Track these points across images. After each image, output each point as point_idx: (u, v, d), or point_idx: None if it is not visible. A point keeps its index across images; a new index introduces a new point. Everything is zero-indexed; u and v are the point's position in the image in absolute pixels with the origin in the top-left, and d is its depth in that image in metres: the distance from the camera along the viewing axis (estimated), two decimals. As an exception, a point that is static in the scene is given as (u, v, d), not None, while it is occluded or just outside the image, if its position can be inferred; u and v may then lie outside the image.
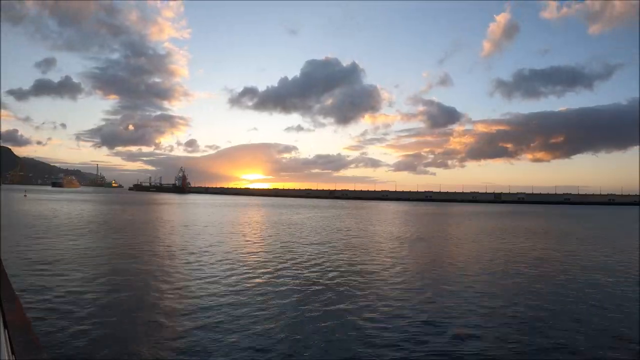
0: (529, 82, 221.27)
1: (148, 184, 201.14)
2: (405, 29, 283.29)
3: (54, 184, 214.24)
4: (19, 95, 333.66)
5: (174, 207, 63.36)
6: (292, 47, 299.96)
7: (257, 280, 13.54)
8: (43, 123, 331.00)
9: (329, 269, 15.61)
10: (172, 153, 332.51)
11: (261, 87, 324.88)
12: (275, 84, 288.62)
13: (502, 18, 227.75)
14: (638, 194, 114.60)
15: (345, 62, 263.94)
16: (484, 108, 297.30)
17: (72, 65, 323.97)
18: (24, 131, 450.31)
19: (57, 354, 7.31)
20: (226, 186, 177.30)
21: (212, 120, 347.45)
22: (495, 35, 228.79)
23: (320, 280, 13.62)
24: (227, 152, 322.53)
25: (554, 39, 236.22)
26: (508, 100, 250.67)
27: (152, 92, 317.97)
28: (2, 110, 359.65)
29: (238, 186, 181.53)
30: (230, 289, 12.31)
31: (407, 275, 14.70)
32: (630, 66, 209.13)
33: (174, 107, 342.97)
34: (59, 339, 8.00)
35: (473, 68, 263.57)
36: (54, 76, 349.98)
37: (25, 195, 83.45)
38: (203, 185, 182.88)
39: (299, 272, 14.94)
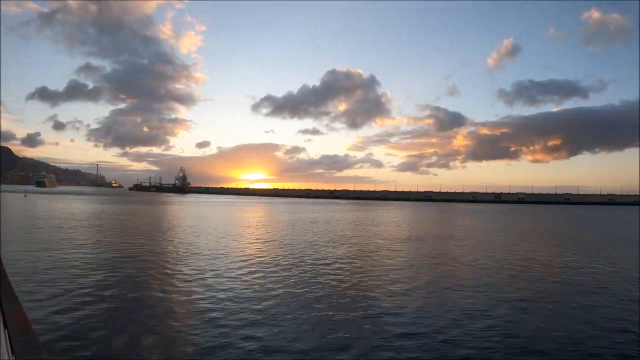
0: (529, 91, 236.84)
1: (148, 184, 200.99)
2: (416, 41, 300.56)
3: (38, 184, 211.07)
4: (48, 97, 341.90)
5: (167, 206, 63.37)
6: (313, 53, 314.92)
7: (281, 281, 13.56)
8: (68, 122, 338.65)
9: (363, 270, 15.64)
10: (182, 154, 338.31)
11: (281, 93, 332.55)
12: (295, 91, 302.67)
13: (507, 43, 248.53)
14: (638, 194, 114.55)
15: (365, 73, 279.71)
16: (486, 114, 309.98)
17: (101, 70, 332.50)
18: (46, 133, 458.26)
19: (57, 354, 7.30)
20: (227, 186, 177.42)
21: (228, 123, 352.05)
22: (500, 54, 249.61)
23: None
24: (230, 152, 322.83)
25: (553, 56, 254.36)
26: (510, 107, 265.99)
27: (171, 96, 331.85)
28: (28, 115, 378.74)
29: (240, 186, 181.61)
30: (248, 292, 12.32)
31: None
32: (622, 81, 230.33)
33: (191, 111, 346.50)
34: (59, 339, 8.00)
35: (477, 81, 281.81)
36: (87, 81, 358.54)
37: (25, 196, 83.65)
38: (203, 186, 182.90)
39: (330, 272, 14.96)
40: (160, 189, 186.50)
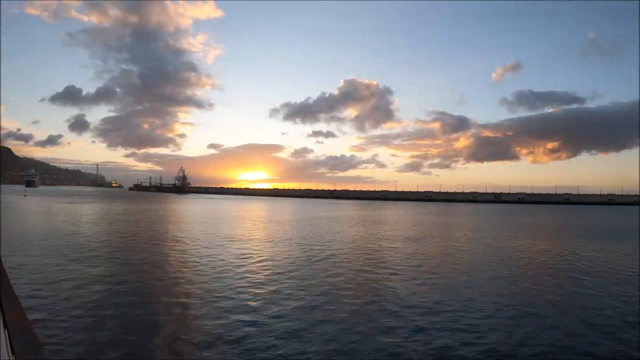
0: (530, 99, 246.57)
1: (148, 184, 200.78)
2: (425, 54, 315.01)
3: (28, 183, 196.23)
4: (73, 100, 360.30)
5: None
6: (330, 61, 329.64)
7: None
8: (83, 124, 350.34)
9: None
10: (189, 155, 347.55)
11: (299, 99, 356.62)
12: (313, 98, 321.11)
13: (511, 61, 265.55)
14: (638, 194, 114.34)
15: (380, 82, 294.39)
16: (489, 117, 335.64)
17: (129, 75, 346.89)
18: (67, 135, 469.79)
19: (57, 354, 7.32)
20: (228, 186, 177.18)
21: (243, 128, 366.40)
22: (504, 69, 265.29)
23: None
24: (233, 152, 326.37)
25: (553, 71, 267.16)
26: (512, 114, 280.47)
27: (191, 101, 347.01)
28: (48, 117, 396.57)
29: (241, 186, 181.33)
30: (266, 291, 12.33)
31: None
32: (617, 91, 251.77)
33: (207, 116, 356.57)
34: (59, 339, 8.02)
35: (482, 92, 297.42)
36: (113, 85, 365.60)
37: (25, 195, 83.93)
38: (204, 186, 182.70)
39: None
40: (161, 188, 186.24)
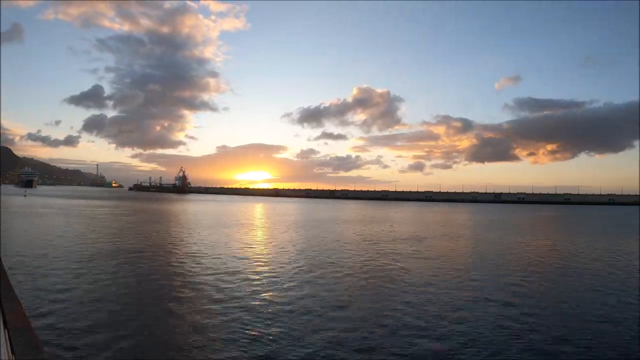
0: (530, 104, 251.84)
1: (148, 184, 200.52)
2: (432, 63, 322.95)
3: (27, 183, 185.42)
4: (92, 103, 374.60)
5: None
6: (342, 68, 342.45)
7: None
8: (109, 123, 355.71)
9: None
10: (195, 155, 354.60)
11: (312, 104, 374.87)
12: (325, 104, 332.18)
13: (514, 75, 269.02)
14: (638, 194, 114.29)
15: (391, 91, 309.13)
16: (490, 119, 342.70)
17: (151, 79, 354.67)
18: (83, 137, 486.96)
19: (57, 354, 7.27)
20: (228, 186, 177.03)
21: (254, 130, 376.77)
22: (507, 80, 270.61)
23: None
24: (235, 152, 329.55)
25: (553, 79, 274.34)
26: (514, 117, 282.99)
27: (207, 105, 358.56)
28: (65, 118, 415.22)
29: (242, 186, 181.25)
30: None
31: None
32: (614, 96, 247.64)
33: (219, 119, 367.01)
34: (59, 339, 7.96)
35: (485, 98, 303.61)
36: (135, 90, 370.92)
37: (25, 195, 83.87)
38: (203, 186, 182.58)
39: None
40: (160, 188, 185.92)
